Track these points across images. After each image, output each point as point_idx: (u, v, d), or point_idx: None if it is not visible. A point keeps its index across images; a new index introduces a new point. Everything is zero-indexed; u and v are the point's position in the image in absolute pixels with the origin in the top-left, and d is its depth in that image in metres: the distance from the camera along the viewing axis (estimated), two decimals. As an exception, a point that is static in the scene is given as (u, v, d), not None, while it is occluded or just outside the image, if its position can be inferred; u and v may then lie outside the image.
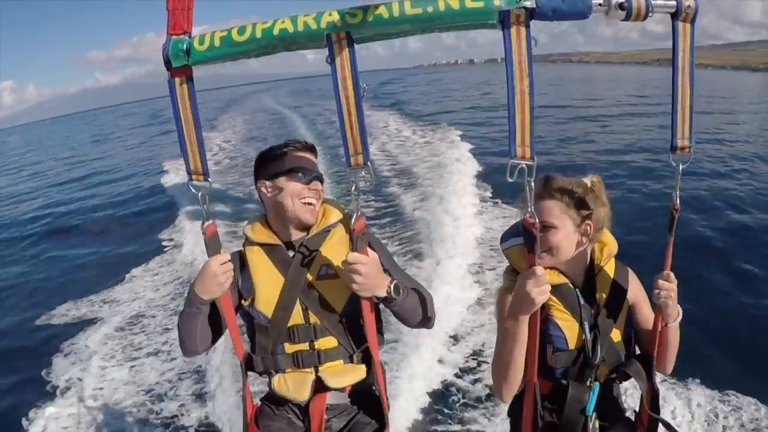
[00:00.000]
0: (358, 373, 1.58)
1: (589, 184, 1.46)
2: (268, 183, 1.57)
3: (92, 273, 6.63)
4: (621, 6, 1.20)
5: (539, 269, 1.27)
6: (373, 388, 1.57)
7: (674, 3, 1.25)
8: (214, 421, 3.42)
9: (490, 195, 7.50)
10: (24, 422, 3.55)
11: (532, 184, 1.19)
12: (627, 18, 1.23)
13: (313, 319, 1.54)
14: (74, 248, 8.09)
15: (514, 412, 1.59)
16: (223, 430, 3.30)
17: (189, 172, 1.38)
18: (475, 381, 3.51)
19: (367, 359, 1.58)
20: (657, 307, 1.45)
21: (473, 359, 3.73)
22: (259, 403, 1.68)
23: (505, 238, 1.51)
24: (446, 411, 3.25)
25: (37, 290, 6.43)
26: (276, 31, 1.21)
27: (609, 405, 1.54)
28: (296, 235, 1.59)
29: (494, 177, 8.10)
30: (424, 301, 1.57)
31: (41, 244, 8.66)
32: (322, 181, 1.60)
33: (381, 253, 1.60)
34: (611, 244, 1.51)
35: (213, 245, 1.43)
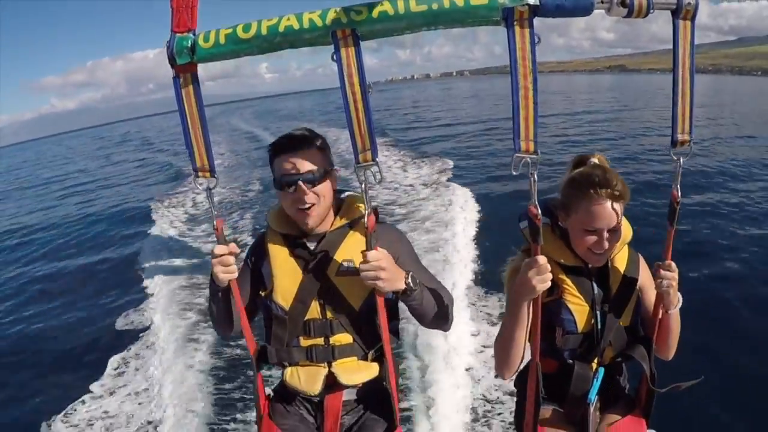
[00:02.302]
0: (371, 371, 1.55)
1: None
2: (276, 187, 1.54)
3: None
4: (623, 3, 1.22)
5: (541, 258, 1.31)
6: (384, 383, 1.54)
7: (674, 0, 1.27)
8: (225, 411, 3.44)
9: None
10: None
11: (536, 177, 1.24)
12: (629, 15, 1.24)
13: (330, 314, 1.52)
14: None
15: (519, 387, 1.66)
16: (236, 421, 3.33)
17: (195, 169, 1.40)
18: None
19: (381, 358, 1.55)
20: (657, 294, 1.47)
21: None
22: (272, 393, 1.68)
23: (522, 218, 1.47)
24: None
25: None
26: (281, 28, 1.22)
27: (611, 382, 1.58)
28: (316, 229, 1.56)
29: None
30: (441, 298, 1.54)
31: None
32: (321, 179, 1.47)
33: (403, 246, 1.59)
34: (627, 230, 1.51)
35: (221, 238, 1.46)
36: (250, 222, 7.70)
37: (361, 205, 1.53)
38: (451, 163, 10.45)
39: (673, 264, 1.41)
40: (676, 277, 1.41)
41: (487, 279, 4.73)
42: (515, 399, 1.74)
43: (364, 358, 1.56)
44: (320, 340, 1.54)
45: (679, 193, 1.36)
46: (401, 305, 1.57)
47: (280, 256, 1.55)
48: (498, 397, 3.21)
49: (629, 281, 1.52)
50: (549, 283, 1.34)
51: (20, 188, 19.58)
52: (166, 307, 5.03)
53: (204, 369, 3.95)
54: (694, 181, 8.22)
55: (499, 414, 3.08)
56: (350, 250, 1.51)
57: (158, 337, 4.54)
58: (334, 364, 1.54)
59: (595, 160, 1.49)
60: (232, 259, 1.45)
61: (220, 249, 1.43)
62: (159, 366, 4.07)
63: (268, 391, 1.67)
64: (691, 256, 5.23)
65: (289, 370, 1.57)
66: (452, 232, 6.06)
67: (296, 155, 1.45)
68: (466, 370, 3.51)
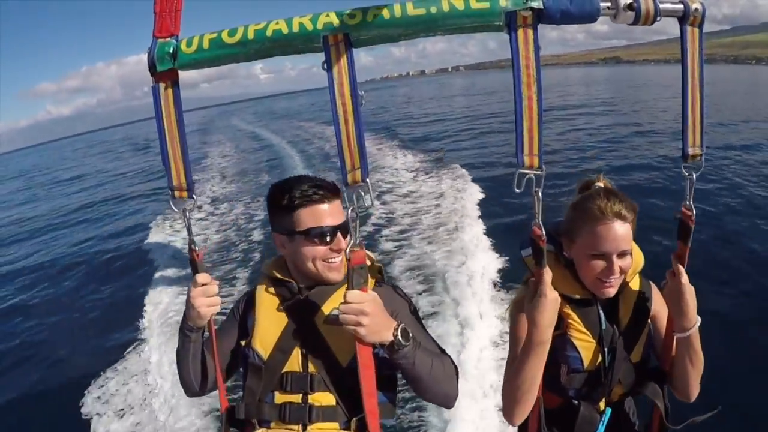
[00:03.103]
0: None
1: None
2: (284, 238, 1.39)
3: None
4: (630, 7, 1.16)
5: (552, 292, 1.23)
6: None
7: (681, 7, 1.22)
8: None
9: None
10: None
11: (540, 194, 1.15)
12: (635, 22, 1.19)
13: (312, 368, 1.35)
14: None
15: (521, 425, 1.51)
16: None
17: (171, 188, 1.27)
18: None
19: (365, 429, 1.31)
20: (669, 317, 1.38)
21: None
22: None
23: (524, 245, 1.39)
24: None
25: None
26: (269, 33, 1.14)
27: (619, 422, 1.47)
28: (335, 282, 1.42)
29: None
30: (442, 367, 1.33)
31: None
32: (348, 231, 1.33)
33: (405, 307, 1.44)
34: (638, 257, 1.41)
35: (195, 269, 1.33)
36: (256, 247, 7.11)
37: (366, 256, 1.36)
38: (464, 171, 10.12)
39: (683, 271, 1.30)
40: (686, 287, 1.29)
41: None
42: None
43: (347, 427, 1.35)
44: (297, 398, 1.35)
45: (694, 212, 1.27)
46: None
47: (266, 302, 1.42)
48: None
49: (641, 314, 1.42)
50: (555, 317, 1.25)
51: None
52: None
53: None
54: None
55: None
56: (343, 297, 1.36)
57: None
58: (309, 428, 1.34)
59: (600, 184, 1.42)
60: (215, 288, 1.32)
61: (202, 277, 1.30)
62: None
63: None
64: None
65: (259, 431, 1.37)
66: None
67: (332, 203, 1.36)
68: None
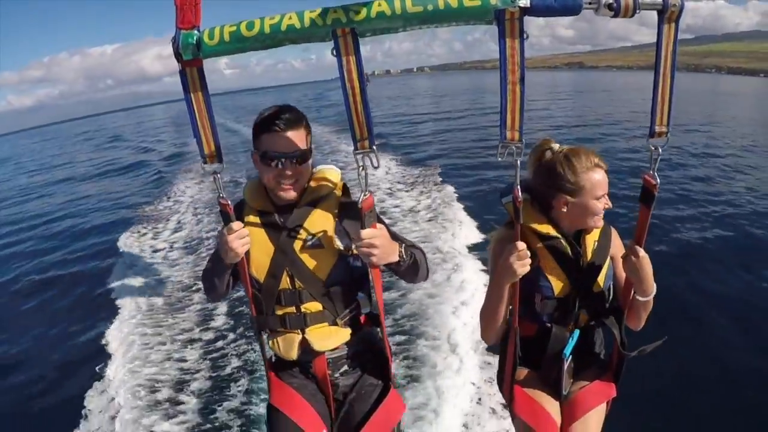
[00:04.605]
0: (342, 335, 1.68)
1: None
2: (256, 156, 1.60)
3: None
4: (609, 5, 1.28)
5: (521, 244, 1.47)
6: (378, 339, 1.69)
7: (660, 0, 1.32)
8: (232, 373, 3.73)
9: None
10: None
11: (519, 163, 1.37)
12: (615, 15, 1.31)
13: (299, 285, 1.63)
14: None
15: (501, 349, 1.79)
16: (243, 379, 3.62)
17: (203, 156, 1.47)
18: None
19: (353, 322, 1.70)
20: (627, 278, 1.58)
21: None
22: (273, 356, 1.79)
23: (504, 193, 1.64)
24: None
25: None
26: (283, 27, 1.28)
27: (585, 348, 1.71)
28: (288, 201, 1.65)
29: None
30: (423, 259, 1.68)
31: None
32: (305, 159, 1.58)
33: (385, 225, 1.67)
34: None
35: (227, 219, 1.53)
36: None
37: (331, 178, 1.66)
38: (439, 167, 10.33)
39: (641, 250, 1.49)
40: (643, 263, 1.49)
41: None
42: (498, 361, 1.87)
43: (334, 323, 1.67)
44: (292, 309, 1.65)
45: (658, 181, 1.44)
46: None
47: (254, 232, 1.62)
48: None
49: (602, 250, 1.65)
50: (528, 268, 1.48)
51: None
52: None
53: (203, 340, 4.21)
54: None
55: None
56: (315, 224, 1.61)
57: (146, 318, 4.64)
58: (307, 330, 1.65)
59: (555, 146, 1.65)
60: (246, 230, 1.54)
61: (237, 224, 1.51)
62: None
63: (270, 353, 1.79)
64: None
65: (270, 337, 1.70)
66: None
67: (286, 132, 1.53)
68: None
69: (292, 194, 1.59)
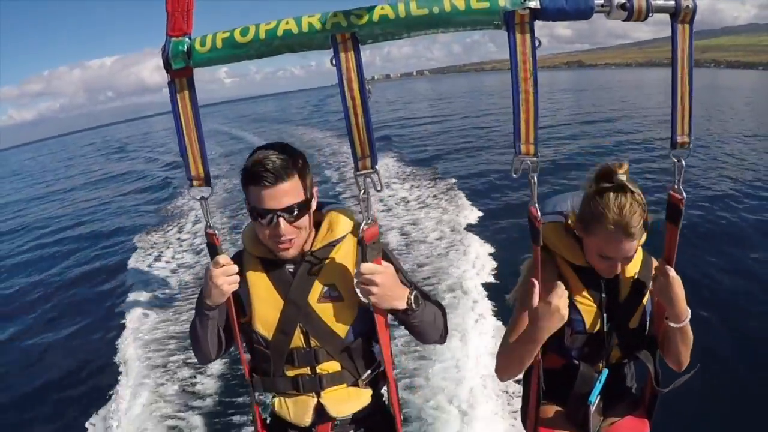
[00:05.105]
0: (363, 399, 1.50)
1: (638, 191, 1.40)
2: (249, 206, 1.39)
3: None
4: (623, 7, 1.22)
5: (561, 288, 1.35)
6: (386, 404, 1.49)
7: (673, 3, 1.27)
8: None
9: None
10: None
11: (536, 179, 1.24)
12: (628, 18, 1.25)
13: (314, 343, 1.44)
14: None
15: (525, 382, 1.69)
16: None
17: (189, 178, 1.34)
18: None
19: (373, 382, 1.51)
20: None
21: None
22: (269, 418, 1.61)
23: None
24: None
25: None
26: (280, 33, 1.20)
27: (616, 383, 1.59)
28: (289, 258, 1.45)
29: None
30: (440, 314, 1.48)
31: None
32: (303, 212, 1.36)
33: (394, 264, 1.46)
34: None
35: (213, 251, 1.38)
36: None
37: (346, 219, 1.46)
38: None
39: (671, 270, 1.38)
40: (674, 284, 1.37)
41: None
42: (521, 394, 1.76)
43: (355, 384, 1.50)
44: (306, 370, 1.47)
45: (684, 195, 1.33)
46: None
47: (258, 282, 1.45)
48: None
49: (640, 286, 1.52)
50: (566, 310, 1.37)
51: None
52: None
53: (199, 391, 3.89)
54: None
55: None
56: (332, 273, 1.42)
57: (134, 364, 4.41)
58: (322, 393, 1.47)
59: (622, 176, 1.39)
60: (234, 267, 1.38)
61: (223, 258, 1.36)
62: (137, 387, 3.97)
63: (266, 414, 1.62)
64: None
65: (277, 399, 1.51)
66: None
67: (274, 187, 1.31)
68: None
69: (291, 253, 1.39)
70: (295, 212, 1.34)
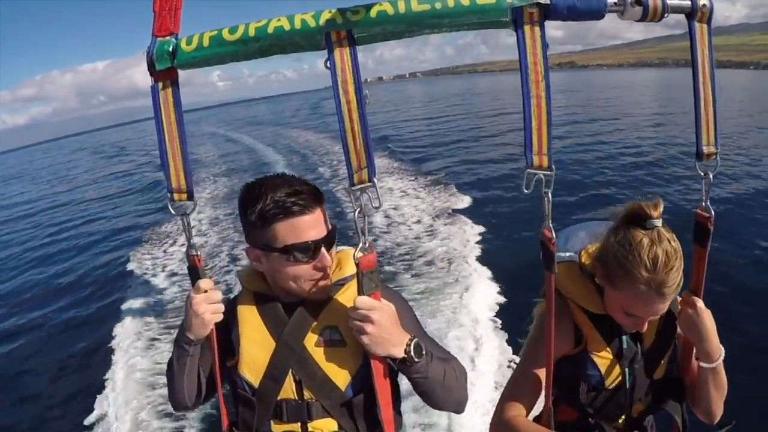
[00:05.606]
0: None
1: (674, 239, 1.20)
2: (259, 253, 1.23)
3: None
4: (639, 2, 1.14)
5: None
6: None
7: (689, 3, 1.19)
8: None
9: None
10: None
11: (550, 195, 1.10)
12: (643, 18, 1.17)
13: (308, 394, 1.24)
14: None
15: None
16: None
17: (170, 190, 1.19)
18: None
19: None
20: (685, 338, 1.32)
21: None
22: None
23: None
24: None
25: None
26: (271, 30, 1.11)
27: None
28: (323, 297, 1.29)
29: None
30: (454, 375, 1.25)
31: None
32: (333, 242, 1.23)
33: (401, 308, 1.26)
34: None
35: (195, 275, 1.23)
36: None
37: (350, 258, 1.23)
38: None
39: (699, 301, 1.22)
40: (704, 317, 1.21)
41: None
42: None
43: None
44: (296, 427, 1.25)
45: (712, 214, 1.19)
46: (403, 380, 1.27)
47: (249, 318, 1.27)
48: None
49: (666, 331, 1.34)
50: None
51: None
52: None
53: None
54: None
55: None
56: (336, 314, 1.24)
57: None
58: None
59: (657, 221, 1.19)
60: (219, 294, 1.21)
61: (205, 283, 1.20)
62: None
63: None
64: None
65: None
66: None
67: (312, 214, 1.18)
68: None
69: (326, 287, 1.23)
70: (332, 240, 1.22)
